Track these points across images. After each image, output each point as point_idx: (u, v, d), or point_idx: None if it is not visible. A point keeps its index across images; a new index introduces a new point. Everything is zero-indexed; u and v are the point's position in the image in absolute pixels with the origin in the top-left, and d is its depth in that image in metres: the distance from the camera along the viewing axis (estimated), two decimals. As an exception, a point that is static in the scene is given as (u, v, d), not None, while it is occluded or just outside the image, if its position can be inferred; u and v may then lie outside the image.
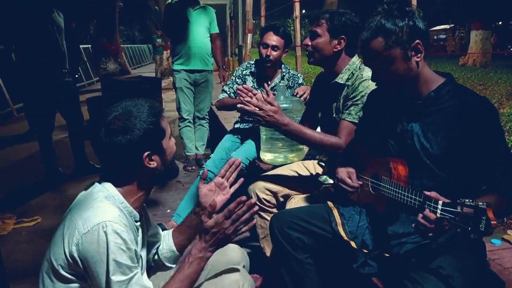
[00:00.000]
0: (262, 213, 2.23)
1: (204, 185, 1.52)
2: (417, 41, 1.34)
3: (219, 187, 1.54)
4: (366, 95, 1.83)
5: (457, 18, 25.35)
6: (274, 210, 2.21)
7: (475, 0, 14.14)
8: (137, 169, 1.25)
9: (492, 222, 1.02)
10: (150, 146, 1.24)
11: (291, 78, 2.97)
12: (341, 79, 2.03)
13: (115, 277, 1.14)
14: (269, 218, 2.20)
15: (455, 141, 1.34)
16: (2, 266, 1.61)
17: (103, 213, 1.15)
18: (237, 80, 3.06)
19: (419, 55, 1.36)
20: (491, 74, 10.34)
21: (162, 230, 2.53)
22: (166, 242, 1.55)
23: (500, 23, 25.85)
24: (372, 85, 1.89)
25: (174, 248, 1.53)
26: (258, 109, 1.83)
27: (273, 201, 2.20)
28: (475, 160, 1.33)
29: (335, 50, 2.00)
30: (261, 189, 2.19)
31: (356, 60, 2.05)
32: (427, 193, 1.19)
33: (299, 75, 3.04)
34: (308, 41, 2.04)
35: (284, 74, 2.98)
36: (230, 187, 1.55)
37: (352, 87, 1.98)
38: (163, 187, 3.80)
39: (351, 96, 1.97)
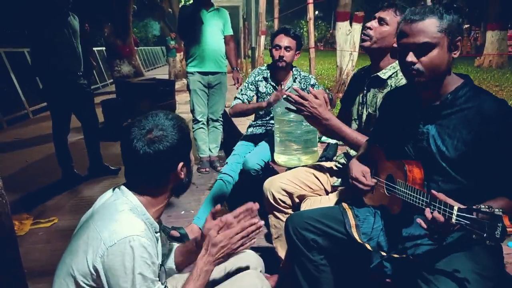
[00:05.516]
0: (276, 213, 2.22)
1: (211, 219, 1.44)
2: (459, 37, 1.35)
3: (228, 226, 1.39)
4: None
5: (472, 18, 25.02)
6: (289, 211, 2.20)
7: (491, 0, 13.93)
8: (167, 180, 1.29)
9: (508, 229, 1.01)
10: (183, 156, 1.29)
11: (302, 80, 2.97)
12: (383, 74, 1.96)
13: None
14: (283, 218, 2.19)
15: (471, 144, 1.33)
16: (20, 265, 1.63)
17: (131, 227, 1.16)
18: (250, 86, 3.07)
19: (455, 52, 1.36)
20: (507, 75, 10.18)
21: (182, 234, 2.59)
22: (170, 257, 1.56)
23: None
24: None
25: (173, 266, 1.53)
26: (303, 100, 1.89)
27: (289, 202, 2.19)
28: (491, 164, 1.31)
29: (394, 45, 1.83)
30: (277, 189, 2.18)
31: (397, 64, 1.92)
32: (434, 192, 1.19)
33: (310, 76, 3.03)
34: (373, 24, 1.93)
35: (295, 76, 2.98)
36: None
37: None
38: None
39: None
